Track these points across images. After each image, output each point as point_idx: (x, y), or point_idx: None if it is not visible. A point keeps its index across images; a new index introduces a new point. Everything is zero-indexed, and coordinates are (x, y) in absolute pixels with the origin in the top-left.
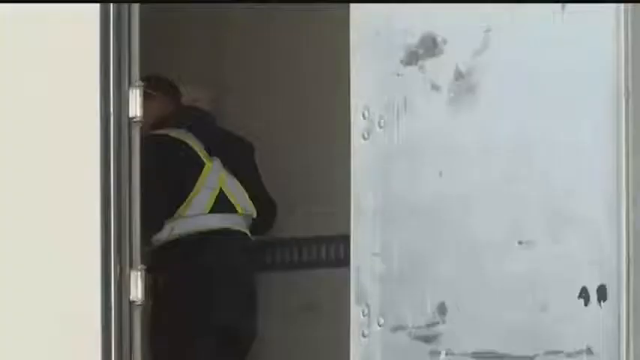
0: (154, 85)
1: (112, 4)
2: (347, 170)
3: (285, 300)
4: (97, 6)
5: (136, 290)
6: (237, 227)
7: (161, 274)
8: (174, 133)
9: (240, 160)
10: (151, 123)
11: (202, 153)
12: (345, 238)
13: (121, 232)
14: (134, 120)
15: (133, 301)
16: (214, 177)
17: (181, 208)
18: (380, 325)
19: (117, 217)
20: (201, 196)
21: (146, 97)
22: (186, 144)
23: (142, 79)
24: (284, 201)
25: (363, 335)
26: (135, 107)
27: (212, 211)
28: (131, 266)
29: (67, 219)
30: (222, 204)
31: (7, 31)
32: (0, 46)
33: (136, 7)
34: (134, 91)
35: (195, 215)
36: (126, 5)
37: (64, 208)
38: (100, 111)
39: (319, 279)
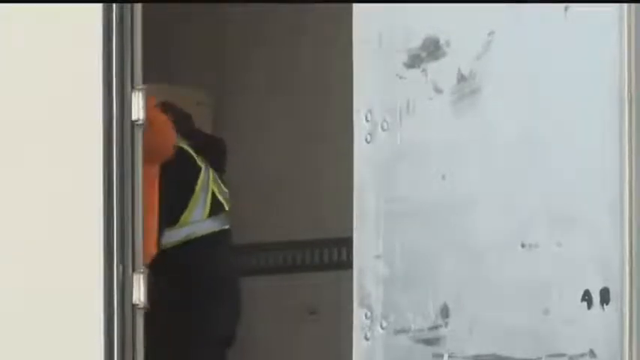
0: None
1: (114, 5)
2: (349, 173)
3: (288, 303)
4: (99, 7)
5: (139, 293)
6: (226, 225)
7: (166, 279)
8: None
9: (221, 157)
10: None
11: (197, 156)
12: (348, 241)
13: (123, 234)
14: (137, 123)
15: (136, 304)
16: (207, 179)
17: (185, 214)
18: (383, 328)
19: (119, 220)
20: (200, 201)
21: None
22: (182, 148)
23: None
24: (286, 203)
25: (366, 338)
26: (137, 110)
27: (210, 215)
28: (134, 269)
29: (70, 222)
30: (215, 205)
31: (8, 33)
32: (1, 47)
33: (138, 8)
34: (137, 94)
35: (196, 222)
36: (128, 6)
37: (66, 210)
38: (102, 114)
39: (322, 282)
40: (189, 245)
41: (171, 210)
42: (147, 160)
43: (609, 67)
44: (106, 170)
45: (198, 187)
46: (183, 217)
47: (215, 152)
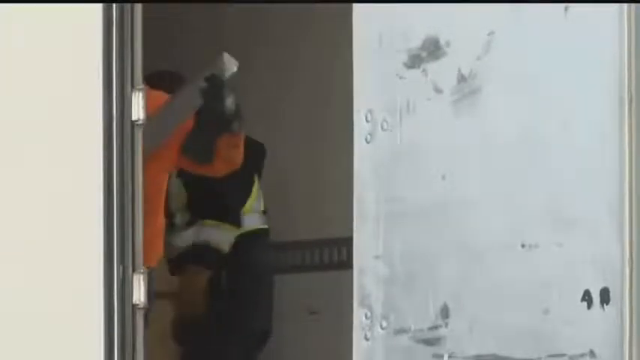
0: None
1: (114, 5)
2: (350, 173)
3: (288, 303)
4: (99, 7)
5: (139, 293)
6: (266, 226)
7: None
8: None
9: (260, 161)
10: None
11: None
12: (348, 241)
13: (123, 234)
14: (137, 123)
15: (136, 304)
16: (256, 177)
17: (250, 201)
18: (382, 328)
19: (119, 220)
20: (258, 194)
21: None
22: None
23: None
24: (286, 203)
25: (366, 338)
26: (138, 110)
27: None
28: (134, 269)
29: (70, 222)
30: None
31: (7, 32)
32: (1, 47)
33: (138, 7)
34: (137, 93)
35: (255, 212)
36: (128, 6)
37: (66, 211)
38: (102, 114)
39: (322, 282)
40: (239, 239)
41: (243, 195)
42: (225, 168)
43: (609, 67)
44: (106, 170)
45: (255, 180)
46: (248, 204)
47: (254, 155)
